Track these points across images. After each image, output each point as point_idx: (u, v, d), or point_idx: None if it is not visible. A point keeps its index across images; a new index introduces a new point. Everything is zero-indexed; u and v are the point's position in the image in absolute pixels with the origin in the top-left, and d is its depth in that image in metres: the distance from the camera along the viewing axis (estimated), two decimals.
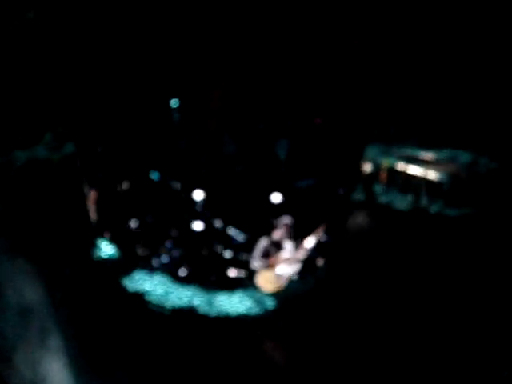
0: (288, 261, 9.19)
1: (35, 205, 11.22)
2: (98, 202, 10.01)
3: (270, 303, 9.00)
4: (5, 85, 11.21)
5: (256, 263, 9.08)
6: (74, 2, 9.77)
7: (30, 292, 8.50)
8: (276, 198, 9.23)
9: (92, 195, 10.10)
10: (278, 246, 9.20)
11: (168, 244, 9.24)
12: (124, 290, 9.13)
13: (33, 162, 12.53)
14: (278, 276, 9.14)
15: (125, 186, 9.37)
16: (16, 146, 12.50)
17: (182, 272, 9.15)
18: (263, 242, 9.10)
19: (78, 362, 7.48)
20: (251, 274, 9.08)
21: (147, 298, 8.93)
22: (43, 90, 11.09)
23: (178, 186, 9.15)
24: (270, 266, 9.11)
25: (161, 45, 9.81)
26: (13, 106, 11.46)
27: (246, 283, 9.08)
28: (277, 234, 9.17)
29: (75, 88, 10.09)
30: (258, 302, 9.03)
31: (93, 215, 10.23)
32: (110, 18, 9.62)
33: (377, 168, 13.34)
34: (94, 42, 9.81)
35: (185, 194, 9.10)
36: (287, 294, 9.17)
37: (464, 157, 13.33)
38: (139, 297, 8.98)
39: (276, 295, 9.16)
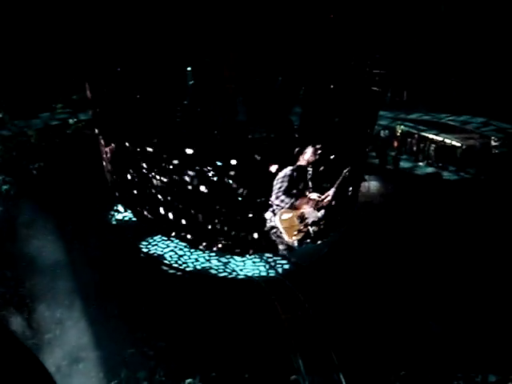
0: (314, 203, 9.05)
1: (57, 170, 11.37)
2: (116, 166, 10.10)
3: (284, 266, 9.11)
4: (23, 55, 11.30)
5: (279, 200, 8.88)
6: None
7: (54, 253, 8.67)
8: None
9: (109, 159, 10.19)
10: (303, 182, 8.98)
11: (183, 208, 9.29)
12: (142, 253, 9.27)
13: (50, 126, 12.69)
14: (303, 219, 9.03)
15: (142, 150, 9.40)
16: (34, 112, 12.63)
17: (199, 237, 9.21)
18: (287, 172, 8.80)
19: (97, 321, 7.70)
20: (267, 234, 9.05)
21: (164, 260, 9.05)
22: (62, 57, 11.17)
23: (193, 150, 9.14)
24: (295, 208, 8.95)
25: (176, 12, 9.82)
26: (30, 73, 11.55)
27: (262, 245, 9.10)
28: (301, 165, 8.90)
29: (95, 53, 10.14)
30: (272, 265, 9.13)
31: (111, 180, 10.35)
32: None
33: (390, 133, 13.38)
34: (112, 10, 9.85)
35: (200, 158, 9.10)
36: (301, 257, 9.25)
37: (477, 122, 13.34)
38: (156, 259, 9.11)
39: (291, 256, 9.23)
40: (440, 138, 12.92)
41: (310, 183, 9.05)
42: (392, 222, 10.02)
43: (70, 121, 13.23)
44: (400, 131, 13.26)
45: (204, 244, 9.19)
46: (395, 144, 13.19)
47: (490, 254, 9.05)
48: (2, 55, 11.78)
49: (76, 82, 11.92)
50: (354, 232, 9.90)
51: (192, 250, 9.27)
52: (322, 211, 9.17)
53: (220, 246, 9.12)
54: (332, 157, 9.19)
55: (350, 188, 9.82)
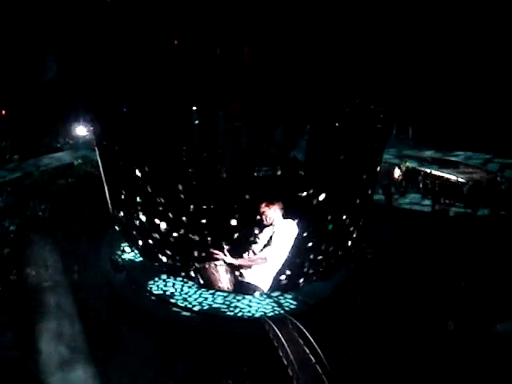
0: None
1: (65, 206, 11.40)
2: (122, 206, 10.11)
3: (291, 305, 9.05)
4: (31, 97, 11.40)
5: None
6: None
7: (61, 293, 8.66)
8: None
9: (115, 198, 10.21)
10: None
11: (191, 249, 9.28)
12: (148, 292, 9.22)
13: (58, 165, 12.76)
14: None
15: (148, 189, 9.42)
16: (41, 152, 12.70)
17: (203, 277, 9.18)
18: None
19: (103, 363, 7.66)
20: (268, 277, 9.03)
21: (171, 300, 9.00)
22: (71, 98, 11.27)
23: (200, 189, 9.15)
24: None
25: (182, 52, 9.92)
26: (37, 114, 11.64)
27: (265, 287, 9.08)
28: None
29: (101, 92, 10.21)
30: (279, 303, 9.07)
31: (117, 219, 10.36)
32: (137, 28, 9.75)
33: (396, 170, 13.39)
34: (120, 51, 9.94)
35: (207, 198, 9.11)
36: (308, 295, 9.20)
37: (482, 159, 13.36)
38: (163, 299, 9.05)
39: (298, 294, 9.19)
40: (446, 175, 12.93)
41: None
42: (400, 259, 9.98)
43: (75, 162, 13.31)
44: (405, 168, 13.27)
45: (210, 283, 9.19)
46: (401, 181, 13.18)
47: (500, 293, 9.02)
48: (11, 96, 11.89)
49: (83, 123, 12.04)
50: (362, 269, 9.86)
51: (199, 289, 9.22)
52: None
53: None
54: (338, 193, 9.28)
55: (355, 226, 9.84)
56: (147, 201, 9.41)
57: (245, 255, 8.75)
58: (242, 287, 9.01)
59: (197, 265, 9.19)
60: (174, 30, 9.93)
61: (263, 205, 8.55)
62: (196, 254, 9.12)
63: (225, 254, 8.61)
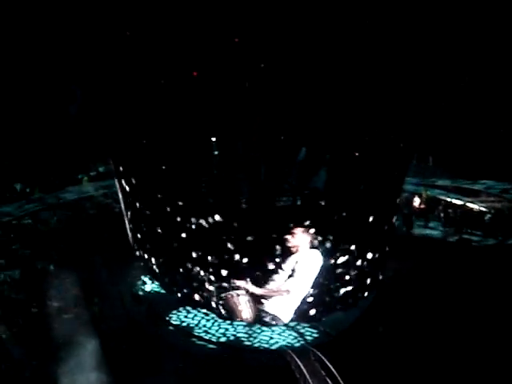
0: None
1: (85, 237, 11.45)
2: (142, 238, 10.13)
3: (313, 336, 8.97)
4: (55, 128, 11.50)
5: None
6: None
7: (81, 326, 8.65)
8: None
9: (135, 231, 10.24)
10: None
11: (211, 280, 9.25)
12: (169, 324, 9.18)
13: (81, 197, 12.85)
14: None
15: (168, 222, 9.44)
16: (65, 183, 12.79)
17: (225, 307, 9.14)
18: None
19: None
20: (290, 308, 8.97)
21: (191, 332, 8.95)
22: (92, 129, 11.36)
23: (219, 220, 9.16)
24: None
25: (201, 84, 9.97)
26: (60, 146, 11.74)
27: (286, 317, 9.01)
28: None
29: (119, 125, 10.28)
30: (301, 334, 8.99)
31: (137, 251, 10.37)
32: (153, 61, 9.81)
33: (416, 199, 13.34)
34: (136, 83, 10.00)
35: (227, 229, 9.11)
36: (330, 326, 9.12)
37: (503, 188, 13.28)
38: (184, 332, 9.01)
39: (320, 324, 9.11)
40: (466, 204, 12.88)
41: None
42: (422, 289, 9.88)
43: (95, 193, 13.39)
44: (426, 197, 13.22)
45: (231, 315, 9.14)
46: (421, 210, 13.13)
47: None
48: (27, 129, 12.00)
49: (101, 154, 12.09)
50: (385, 299, 9.77)
51: (220, 321, 9.17)
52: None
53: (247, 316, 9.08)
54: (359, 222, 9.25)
55: (377, 254, 9.78)
56: (166, 232, 9.45)
57: (267, 285, 8.73)
58: (263, 318, 8.95)
59: (218, 295, 9.19)
60: (193, 62, 9.98)
61: (287, 234, 8.54)
62: (217, 284, 9.12)
63: (247, 283, 8.59)
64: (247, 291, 8.67)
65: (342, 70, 9.40)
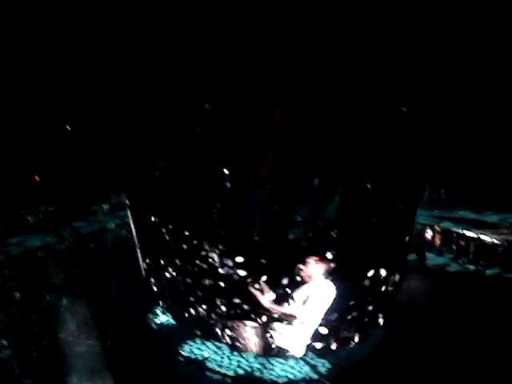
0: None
1: (98, 269, 11.46)
2: (154, 270, 10.14)
3: (325, 368, 8.90)
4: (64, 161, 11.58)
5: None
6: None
7: (93, 358, 8.63)
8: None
9: (148, 262, 10.26)
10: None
11: (222, 311, 9.23)
12: (182, 357, 9.14)
13: (94, 228, 12.87)
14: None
15: (180, 254, 9.46)
16: (77, 216, 12.83)
17: (237, 339, 9.11)
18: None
19: None
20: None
21: (204, 365, 8.90)
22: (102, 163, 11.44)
23: (230, 254, 9.17)
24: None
25: (213, 117, 10.06)
26: (71, 179, 11.80)
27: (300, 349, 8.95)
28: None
29: (131, 158, 10.35)
30: (313, 366, 8.93)
31: (149, 283, 10.38)
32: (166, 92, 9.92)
33: (428, 231, 13.30)
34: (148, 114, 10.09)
35: (238, 262, 9.11)
36: (342, 358, 9.05)
37: None
38: (197, 364, 8.96)
39: (332, 357, 9.04)
40: (479, 236, 12.82)
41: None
42: (435, 322, 9.83)
43: (108, 225, 13.42)
44: (438, 229, 13.19)
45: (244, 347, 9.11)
46: (434, 242, 13.10)
47: None
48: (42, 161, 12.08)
49: (114, 185, 12.15)
50: (397, 332, 9.70)
51: (233, 353, 9.12)
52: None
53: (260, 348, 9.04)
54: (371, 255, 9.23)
55: (390, 287, 9.74)
56: (178, 264, 9.46)
57: (280, 311, 8.59)
58: (274, 350, 8.90)
59: (229, 327, 9.16)
60: (205, 94, 10.09)
61: (298, 264, 8.49)
62: (228, 315, 9.09)
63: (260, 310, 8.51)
64: (258, 323, 8.62)
65: (356, 105, 9.48)
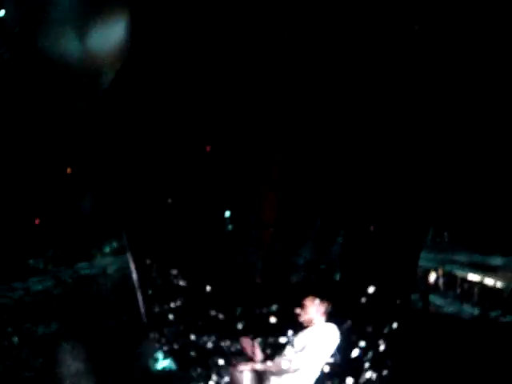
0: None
1: (99, 313, 11.37)
2: (155, 316, 10.07)
3: None
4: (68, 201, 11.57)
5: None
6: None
7: None
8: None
9: (149, 306, 10.19)
10: None
11: (221, 358, 9.15)
12: None
13: (94, 272, 12.82)
14: None
15: (181, 300, 9.42)
16: (78, 259, 12.80)
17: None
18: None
19: None
20: None
21: None
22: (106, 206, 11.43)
23: (231, 299, 9.14)
24: None
25: (212, 157, 10.08)
26: (74, 221, 11.78)
27: None
28: None
29: (133, 204, 10.36)
30: None
31: (150, 327, 10.28)
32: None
33: (432, 275, 13.20)
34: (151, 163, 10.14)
35: (239, 308, 9.08)
36: None
37: None
38: None
39: None
40: (484, 280, 12.72)
41: None
42: (439, 367, 9.71)
43: (109, 268, 13.37)
44: (442, 272, 13.09)
45: None
46: (437, 286, 12.99)
47: None
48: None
49: (116, 229, 12.12)
50: (400, 378, 9.56)
51: None
52: None
53: None
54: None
55: (393, 332, 9.65)
56: (178, 309, 9.41)
57: (275, 360, 8.21)
58: None
59: (227, 372, 9.00)
60: (205, 136, 10.13)
61: (301, 303, 8.09)
62: (224, 359, 8.96)
63: (254, 355, 8.21)
64: (254, 368, 8.32)
65: (359, 148, 9.50)
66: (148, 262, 9.92)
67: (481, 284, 12.74)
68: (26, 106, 10.32)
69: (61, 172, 11.59)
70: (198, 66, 9.53)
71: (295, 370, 8.09)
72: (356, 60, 9.18)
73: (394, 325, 9.62)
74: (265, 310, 8.81)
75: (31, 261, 13.54)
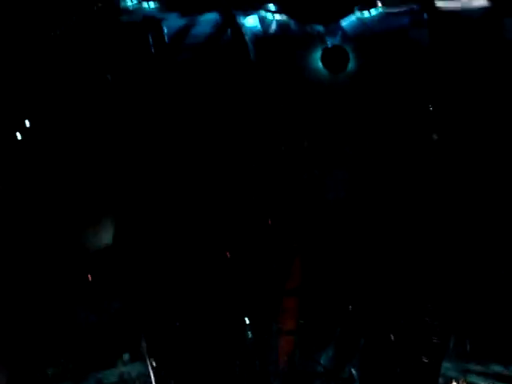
0: None
1: None
2: None
3: None
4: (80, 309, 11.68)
5: None
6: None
7: None
8: None
9: None
10: None
11: None
12: None
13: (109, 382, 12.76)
14: None
15: None
16: (94, 368, 12.75)
17: None
18: None
19: None
20: None
21: None
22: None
23: None
24: None
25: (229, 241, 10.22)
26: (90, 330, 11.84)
27: None
28: None
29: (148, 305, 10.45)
30: None
31: None
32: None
33: None
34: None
35: None
36: None
37: None
38: None
39: None
40: None
41: None
42: None
43: (126, 376, 13.29)
44: (464, 383, 12.84)
45: None
46: None
47: None
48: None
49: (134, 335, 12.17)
50: None
51: None
52: None
53: None
54: None
55: None
56: None
57: None
58: None
59: None
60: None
61: None
62: None
63: None
64: None
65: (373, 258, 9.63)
66: (167, 369, 9.92)
67: None
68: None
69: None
70: None
71: None
72: None
73: None
74: None
75: (50, 370, 13.49)
